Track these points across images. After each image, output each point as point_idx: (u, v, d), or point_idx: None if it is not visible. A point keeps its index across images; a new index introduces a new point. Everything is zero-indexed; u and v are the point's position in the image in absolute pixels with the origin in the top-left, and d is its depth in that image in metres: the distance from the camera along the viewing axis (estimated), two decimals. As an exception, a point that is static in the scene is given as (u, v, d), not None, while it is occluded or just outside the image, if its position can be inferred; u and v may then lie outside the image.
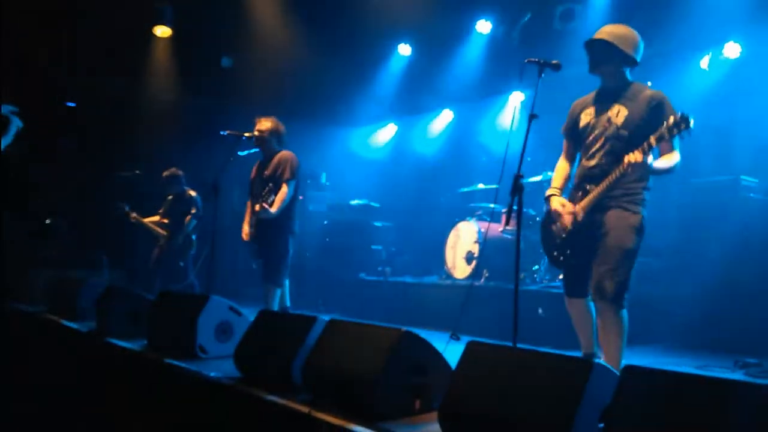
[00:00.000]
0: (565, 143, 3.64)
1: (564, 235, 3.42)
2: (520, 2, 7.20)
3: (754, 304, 4.79)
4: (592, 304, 3.41)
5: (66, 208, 7.91)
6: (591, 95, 3.53)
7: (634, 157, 3.01)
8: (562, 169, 3.61)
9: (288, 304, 5.19)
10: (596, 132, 3.36)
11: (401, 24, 7.87)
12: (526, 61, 3.32)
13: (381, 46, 8.56)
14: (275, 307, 5.00)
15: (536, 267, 6.09)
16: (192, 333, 3.89)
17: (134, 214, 6.82)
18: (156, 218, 6.99)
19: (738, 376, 4.00)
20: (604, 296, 3.19)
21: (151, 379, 3.85)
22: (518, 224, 3.12)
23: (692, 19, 5.82)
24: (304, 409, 2.66)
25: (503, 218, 3.26)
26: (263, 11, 7.80)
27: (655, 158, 3.16)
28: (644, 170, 3.08)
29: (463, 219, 6.76)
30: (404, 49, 8.61)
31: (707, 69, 6.27)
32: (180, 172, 7.00)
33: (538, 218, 6.26)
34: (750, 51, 6.00)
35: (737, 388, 1.73)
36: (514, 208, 3.10)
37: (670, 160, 3.19)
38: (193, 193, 6.96)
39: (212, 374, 3.37)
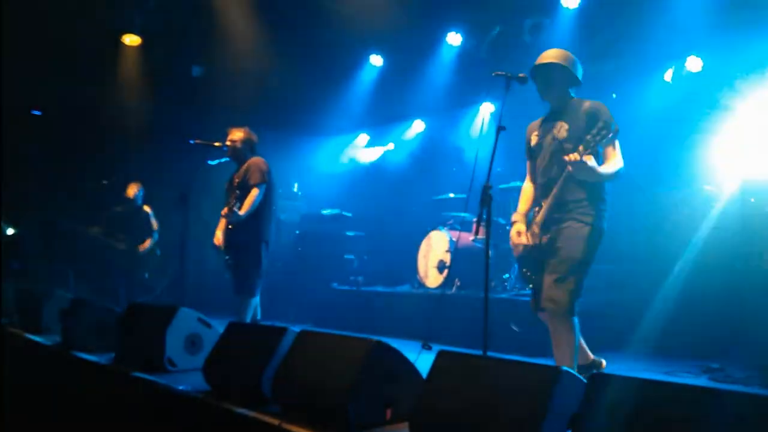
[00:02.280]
0: (527, 165, 3.72)
1: (524, 253, 3.50)
2: (490, 15, 7.30)
3: (717, 311, 4.91)
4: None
5: (31, 219, 7.73)
6: (541, 118, 3.63)
7: (573, 156, 3.10)
8: (526, 191, 3.68)
9: (258, 316, 5.11)
10: (543, 150, 3.48)
11: (373, 35, 7.91)
12: (493, 74, 3.40)
13: (353, 56, 8.59)
14: (248, 318, 4.86)
15: (507, 276, 6.14)
16: (160, 345, 3.82)
17: (95, 228, 6.79)
18: (98, 229, 6.96)
19: (702, 381, 4.09)
20: (554, 304, 3.27)
21: (118, 393, 3.77)
22: (487, 234, 3.17)
23: (656, 34, 5.98)
24: (275, 422, 2.64)
25: (474, 227, 3.30)
26: (234, 20, 7.76)
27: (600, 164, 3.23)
28: (586, 172, 3.14)
29: (434, 228, 6.80)
30: (376, 60, 8.67)
31: (671, 82, 6.44)
32: (141, 187, 7.07)
33: (508, 227, 6.32)
34: (710, 64, 6.19)
35: (702, 394, 1.77)
36: (484, 217, 3.15)
37: (613, 165, 3.28)
38: (148, 209, 7.04)
39: (181, 387, 3.32)
